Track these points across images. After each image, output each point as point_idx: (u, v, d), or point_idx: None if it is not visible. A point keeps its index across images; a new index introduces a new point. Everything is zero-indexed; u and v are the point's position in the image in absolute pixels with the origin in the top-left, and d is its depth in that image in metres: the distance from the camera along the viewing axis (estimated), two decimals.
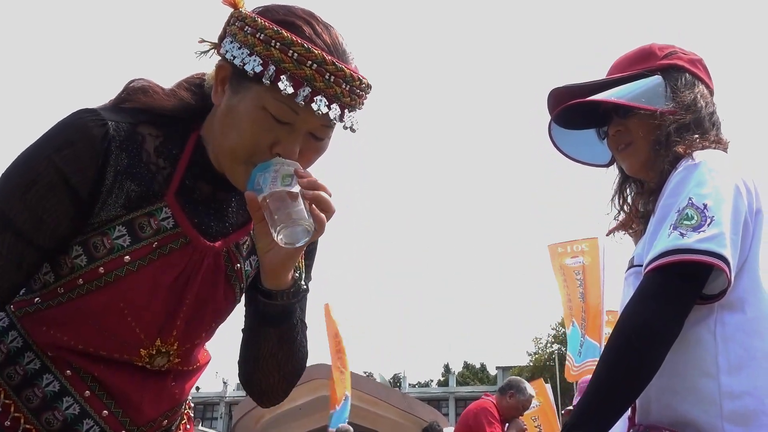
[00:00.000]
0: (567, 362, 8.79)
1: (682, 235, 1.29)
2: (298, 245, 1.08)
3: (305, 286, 1.22)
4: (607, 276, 8.65)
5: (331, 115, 1.07)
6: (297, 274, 1.20)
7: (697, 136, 1.48)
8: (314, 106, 1.05)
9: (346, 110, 1.09)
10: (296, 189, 1.07)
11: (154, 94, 1.20)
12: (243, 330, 1.28)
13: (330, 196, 1.11)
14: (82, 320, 1.15)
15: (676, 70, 1.57)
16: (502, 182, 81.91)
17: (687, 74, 1.57)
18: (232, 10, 1.13)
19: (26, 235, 1.09)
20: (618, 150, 1.61)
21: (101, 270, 1.13)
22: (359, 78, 1.10)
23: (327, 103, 1.06)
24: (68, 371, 1.17)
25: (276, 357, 1.23)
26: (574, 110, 1.61)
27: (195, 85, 1.24)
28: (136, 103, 1.18)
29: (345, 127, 1.11)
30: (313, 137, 1.12)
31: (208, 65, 1.21)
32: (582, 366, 8.32)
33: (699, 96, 1.53)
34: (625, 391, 1.28)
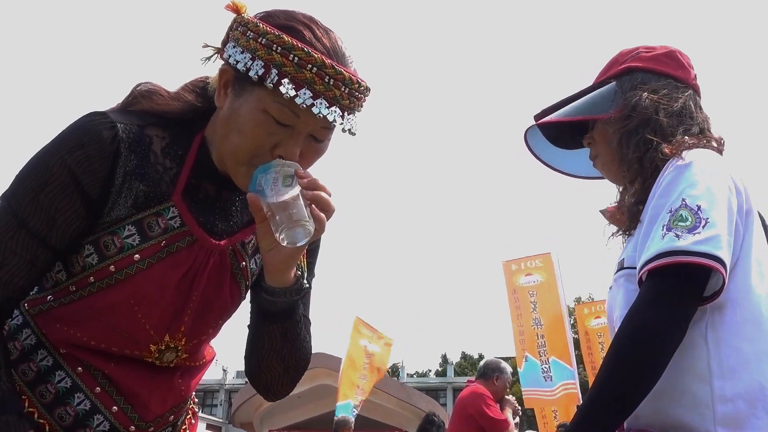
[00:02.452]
0: (526, 395, 8.37)
1: (677, 236, 1.28)
2: (299, 244, 1.11)
3: (307, 284, 1.25)
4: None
5: (331, 117, 1.09)
6: (299, 272, 1.23)
7: (682, 136, 1.46)
8: (314, 109, 1.08)
9: (345, 113, 1.12)
10: (297, 190, 1.10)
11: (160, 98, 1.23)
12: (248, 326, 1.31)
13: (330, 195, 1.13)
14: (93, 317, 1.18)
15: (627, 73, 1.56)
16: (504, 175, 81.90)
17: (637, 74, 1.55)
18: (234, 15, 1.16)
19: (39, 234, 1.13)
20: (594, 162, 1.63)
21: (112, 268, 1.16)
22: (358, 81, 1.13)
23: (327, 106, 1.09)
24: (79, 368, 1.21)
25: (279, 352, 1.26)
26: (561, 131, 1.64)
27: (199, 88, 1.27)
28: (143, 106, 1.21)
29: (344, 130, 1.14)
30: (314, 139, 1.15)
31: (212, 69, 1.24)
32: (557, 390, 8.12)
33: (647, 94, 1.50)
34: (627, 396, 1.26)
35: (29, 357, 1.21)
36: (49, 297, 1.22)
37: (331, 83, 1.09)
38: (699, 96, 1.57)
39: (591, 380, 10.17)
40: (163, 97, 1.23)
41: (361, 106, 1.16)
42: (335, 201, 1.15)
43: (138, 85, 1.25)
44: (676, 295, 1.27)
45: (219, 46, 1.20)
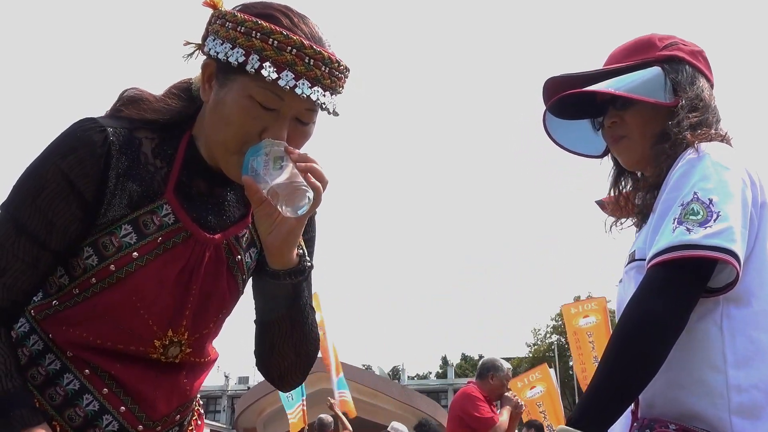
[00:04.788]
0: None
1: (688, 230, 1.27)
2: (300, 212, 1.13)
3: (310, 263, 1.27)
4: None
5: (314, 97, 1.13)
6: (301, 252, 1.25)
7: (705, 129, 1.46)
8: (297, 90, 1.11)
9: (327, 92, 1.15)
10: (290, 164, 1.13)
11: (146, 103, 1.26)
12: (255, 321, 1.33)
13: (321, 168, 1.16)
14: (98, 317, 1.21)
15: (676, 62, 1.53)
16: (501, 172, 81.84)
17: (687, 67, 1.53)
18: (212, 11, 1.20)
19: (39, 238, 1.16)
20: (613, 142, 1.58)
21: (112, 267, 1.18)
22: (337, 60, 1.16)
23: (309, 86, 1.12)
24: (86, 370, 1.22)
25: (291, 338, 1.29)
26: (569, 100, 1.57)
27: (183, 89, 1.31)
28: (130, 113, 1.25)
29: (328, 112, 1.17)
30: (299, 122, 1.18)
31: (195, 68, 1.27)
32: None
33: (702, 90, 1.51)
34: (629, 385, 1.26)
35: (37, 362, 1.23)
36: (54, 302, 1.24)
37: (312, 63, 1.13)
38: None
39: (584, 377, 10.31)
40: (150, 103, 1.27)
41: (342, 87, 1.19)
42: (328, 174, 1.17)
43: (124, 92, 1.29)
44: (679, 286, 1.28)
45: (199, 42, 1.24)
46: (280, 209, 1.13)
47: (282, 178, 1.12)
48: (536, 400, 10.78)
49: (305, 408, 8.58)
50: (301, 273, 1.24)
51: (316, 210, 1.25)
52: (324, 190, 1.16)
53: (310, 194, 1.12)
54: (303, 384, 8.61)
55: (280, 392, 8.50)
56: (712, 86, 1.57)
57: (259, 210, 1.18)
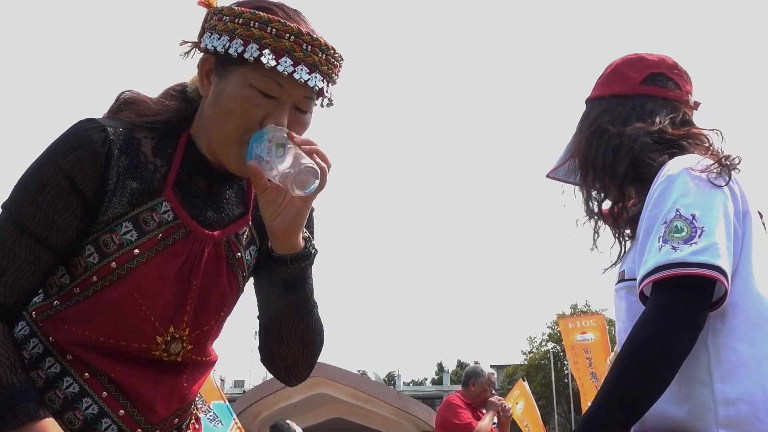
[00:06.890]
0: None
1: (674, 248, 1.28)
2: (308, 191, 1.15)
3: (315, 248, 1.29)
4: None
5: (311, 83, 1.16)
6: (306, 235, 1.27)
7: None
8: (296, 75, 1.15)
9: (325, 80, 1.19)
10: (294, 147, 1.16)
11: (143, 104, 1.29)
12: (259, 316, 1.35)
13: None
14: (100, 314, 1.21)
15: (649, 98, 1.57)
16: (496, 178, 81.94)
17: (660, 99, 1.56)
18: (206, 10, 1.24)
19: (41, 237, 1.17)
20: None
21: (113, 265, 1.19)
22: (333, 48, 1.20)
23: (308, 72, 1.16)
24: (86, 374, 1.22)
25: (297, 328, 1.30)
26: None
27: (178, 91, 1.34)
28: (129, 112, 1.28)
29: (323, 100, 1.21)
30: (298, 110, 1.21)
31: (190, 71, 1.30)
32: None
33: (665, 122, 1.52)
34: (635, 404, 1.27)
35: (37, 365, 1.23)
36: (55, 302, 1.24)
37: (309, 50, 1.16)
38: None
39: (581, 391, 10.38)
40: (147, 104, 1.29)
41: (337, 75, 1.22)
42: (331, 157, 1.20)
43: (121, 94, 1.32)
44: (685, 306, 1.28)
45: (195, 40, 1.26)
46: (290, 190, 1.15)
47: (287, 161, 1.15)
48: (521, 416, 10.89)
49: (239, 425, 8.40)
50: (307, 257, 1.26)
51: (314, 208, 1.27)
52: (329, 169, 1.18)
53: (317, 171, 1.15)
54: (229, 404, 8.48)
55: (205, 422, 8.22)
56: (689, 102, 1.57)
57: (263, 196, 1.20)
